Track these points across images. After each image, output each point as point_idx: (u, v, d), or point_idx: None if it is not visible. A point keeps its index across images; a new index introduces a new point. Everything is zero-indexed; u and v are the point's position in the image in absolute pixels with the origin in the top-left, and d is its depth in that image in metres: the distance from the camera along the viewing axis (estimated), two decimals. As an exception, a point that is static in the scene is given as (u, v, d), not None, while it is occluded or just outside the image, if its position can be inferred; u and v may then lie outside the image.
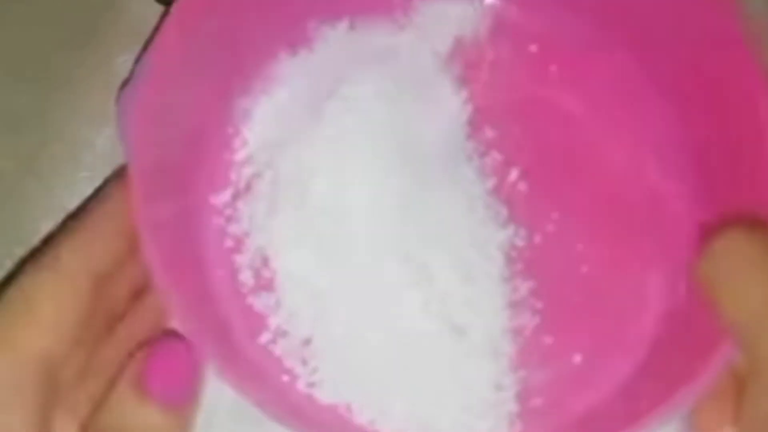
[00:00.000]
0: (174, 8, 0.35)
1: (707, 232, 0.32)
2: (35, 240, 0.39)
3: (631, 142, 0.39)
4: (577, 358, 0.38)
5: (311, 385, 0.37)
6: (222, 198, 0.38)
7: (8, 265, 0.39)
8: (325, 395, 0.36)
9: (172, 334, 0.33)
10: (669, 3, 0.36)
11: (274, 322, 0.37)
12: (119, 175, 0.34)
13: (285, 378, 0.37)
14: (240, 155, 0.39)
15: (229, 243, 0.38)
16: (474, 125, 0.39)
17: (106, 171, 0.38)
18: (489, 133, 0.39)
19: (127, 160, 0.34)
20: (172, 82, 0.35)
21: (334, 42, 0.39)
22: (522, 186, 0.39)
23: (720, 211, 0.35)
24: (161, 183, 0.35)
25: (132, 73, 0.36)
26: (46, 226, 0.39)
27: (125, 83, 0.36)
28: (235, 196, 0.38)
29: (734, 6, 0.34)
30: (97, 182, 0.37)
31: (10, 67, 0.42)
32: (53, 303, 0.31)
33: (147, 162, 0.34)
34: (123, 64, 0.40)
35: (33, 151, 0.41)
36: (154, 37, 0.35)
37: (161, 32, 0.35)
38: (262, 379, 0.36)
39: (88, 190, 0.38)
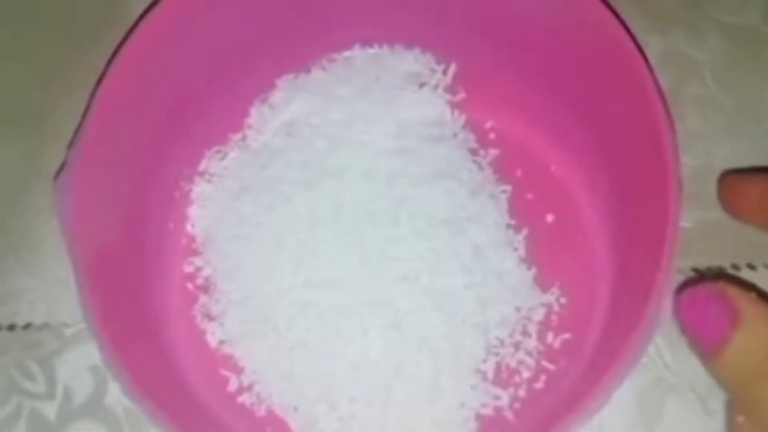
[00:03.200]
0: (103, 89, 0.33)
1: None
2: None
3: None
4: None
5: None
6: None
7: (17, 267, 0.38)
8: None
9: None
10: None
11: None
12: None
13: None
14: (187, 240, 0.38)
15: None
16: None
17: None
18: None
19: (68, 251, 0.32)
20: (107, 166, 0.33)
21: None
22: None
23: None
24: (106, 272, 0.33)
25: (65, 160, 0.34)
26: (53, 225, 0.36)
27: (60, 171, 0.34)
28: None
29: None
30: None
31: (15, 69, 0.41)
32: None
33: (89, 254, 0.32)
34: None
35: (37, 151, 0.40)
36: (85, 120, 0.33)
37: (91, 115, 0.33)
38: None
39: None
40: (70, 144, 0.34)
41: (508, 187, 0.38)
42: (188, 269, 0.38)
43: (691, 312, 0.30)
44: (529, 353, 0.36)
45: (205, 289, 0.38)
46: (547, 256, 0.37)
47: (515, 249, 0.37)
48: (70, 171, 0.33)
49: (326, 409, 0.35)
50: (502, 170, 0.39)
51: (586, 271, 0.37)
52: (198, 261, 0.38)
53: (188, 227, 0.39)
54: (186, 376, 0.36)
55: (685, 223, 0.37)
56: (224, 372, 0.37)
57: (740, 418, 0.30)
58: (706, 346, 0.29)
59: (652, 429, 0.36)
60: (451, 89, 0.40)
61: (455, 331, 0.35)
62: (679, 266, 0.37)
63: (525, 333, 0.37)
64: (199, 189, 0.39)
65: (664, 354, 0.37)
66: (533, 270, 0.37)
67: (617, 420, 0.36)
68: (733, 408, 0.30)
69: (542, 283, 0.37)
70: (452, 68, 0.40)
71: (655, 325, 0.31)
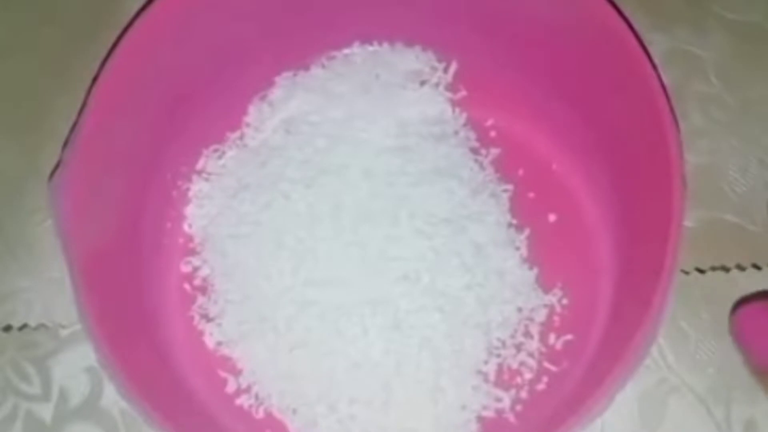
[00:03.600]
0: (99, 87, 0.33)
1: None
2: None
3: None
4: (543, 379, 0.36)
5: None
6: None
7: (13, 267, 0.37)
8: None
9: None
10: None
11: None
12: None
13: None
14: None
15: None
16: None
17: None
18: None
19: (63, 252, 0.32)
20: (103, 165, 0.33)
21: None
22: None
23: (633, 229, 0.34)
24: (102, 272, 0.33)
25: (61, 159, 0.33)
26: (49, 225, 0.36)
27: (55, 170, 0.34)
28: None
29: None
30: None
31: (11, 67, 0.41)
32: None
33: (85, 254, 0.32)
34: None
35: (34, 150, 0.39)
36: (81, 119, 0.32)
37: (87, 114, 0.32)
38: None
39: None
40: (66, 143, 0.34)
41: (510, 186, 0.38)
42: (186, 269, 0.38)
43: (747, 327, 0.29)
44: (530, 354, 0.36)
45: (203, 289, 0.37)
46: (549, 256, 0.37)
47: (517, 248, 0.37)
48: (65, 171, 0.33)
49: (325, 411, 0.35)
50: (503, 169, 0.38)
51: (589, 271, 0.37)
52: (196, 261, 0.38)
53: (186, 226, 0.38)
54: (183, 377, 0.36)
55: (688, 223, 0.37)
56: (222, 373, 0.36)
57: None
58: (760, 362, 0.29)
59: (654, 431, 0.35)
60: (452, 87, 0.39)
61: (456, 332, 0.35)
62: (682, 266, 0.36)
63: (527, 334, 0.36)
64: (197, 188, 0.39)
65: (667, 355, 0.36)
66: (535, 270, 0.37)
67: (619, 422, 0.36)
68: None
69: (544, 284, 0.37)
70: (453, 66, 0.39)
71: (659, 326, 0.31)
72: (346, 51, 0.40)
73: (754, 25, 0.41)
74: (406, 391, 0.35)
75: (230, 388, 0.36)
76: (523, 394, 0.36)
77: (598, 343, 0.35)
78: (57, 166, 0.34)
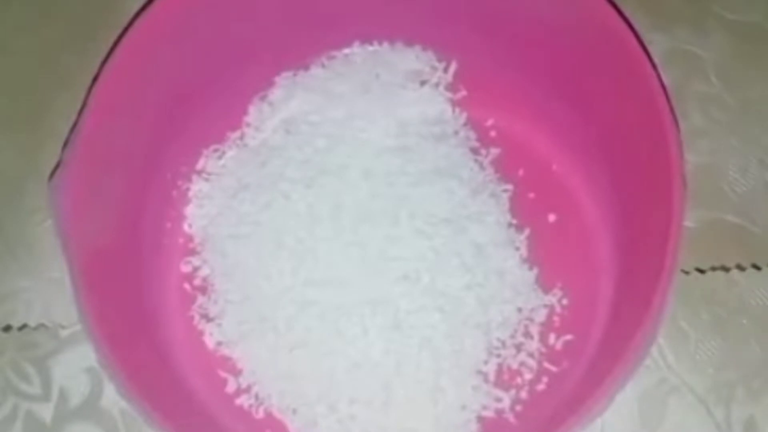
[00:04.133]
0: (99, 88, 0.33)
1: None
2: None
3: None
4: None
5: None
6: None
7: (13, 267, 0.37)
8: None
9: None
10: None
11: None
12: None
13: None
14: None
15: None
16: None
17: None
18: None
19: (63, 252, 0.32)
20: (103, 165, 0.33)
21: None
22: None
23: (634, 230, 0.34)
24: (102, 272, 0.33)
25: (61, 159, 0.33)
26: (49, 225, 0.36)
27: (54, 170, 0.34)
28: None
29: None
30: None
31: (11, 67, 0.41)
32: None
33: (85, 254, 0.32)
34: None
35: (34, 150, 0.39)
36: (80, 119, 0.32)
37: (86, 114, 0.32)
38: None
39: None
40: (66, 143, 0.34)
41: (510, 186, 0.38)
42: (186, 269, 0.38)
43: None
44: (530, 355, 0.36)
45: (203, 289, 0.37)
46: (549, 256, 0.37)
47: (517, 249, 0.37)
48: (65, 171, 0.33)
49: (325, 411, 0.35)
50: (503, 169, 0.38)
51: (589, 271, 0.37)
52: (196, 261, 0.38)
53: (186, 226, 0.38)
54: (183, 377, 0.36)
55: (688, 223, 0.37)
56: (222, 373, 0.36)
57: None
58: None
59: (654, 431, 0.36)
60: (452, 87, 0.40)
61: (456, 332, 0.35)
62: (682, 266, 0.36)
63: (527, 334, 0.36)
64: (197, 188, 0.39)
65: (667, 355, 0.36)
66: (535, 270, 0.37)
67: (619, 422, 0.36)
68: None
69: (544, 284, 0.37)
70: (453, 66, 0.39)
71: (659, 326, 0.31)
72: (346, 51, 0.40)
73: (754, 25, 0.41)
74: (406, 391, 0.35)
75: (230, 388, 0.36)
76: (523, 394, 0.36)
77: (598, 343, 0.35)
78: (57, 166, 0.34)
